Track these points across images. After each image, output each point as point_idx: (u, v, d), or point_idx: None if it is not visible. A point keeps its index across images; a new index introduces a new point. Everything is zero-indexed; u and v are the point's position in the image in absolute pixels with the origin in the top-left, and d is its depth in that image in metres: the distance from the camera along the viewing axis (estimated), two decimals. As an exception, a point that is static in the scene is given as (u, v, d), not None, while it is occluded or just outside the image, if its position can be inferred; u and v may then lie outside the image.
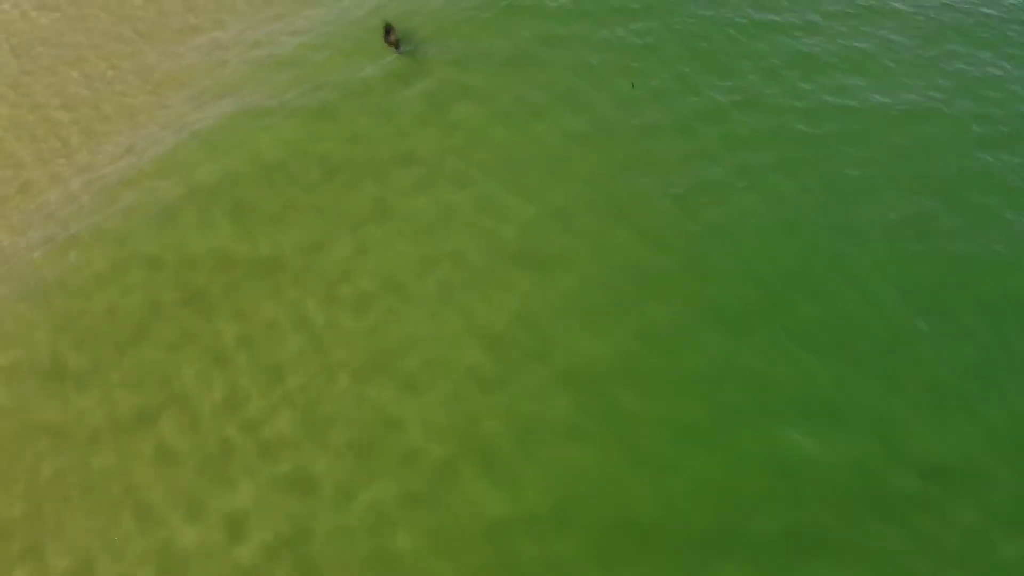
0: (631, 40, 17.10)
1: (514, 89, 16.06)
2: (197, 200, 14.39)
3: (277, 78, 16.99)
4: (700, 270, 12.66)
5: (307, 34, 18.12)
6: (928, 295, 12.38)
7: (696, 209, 13.58)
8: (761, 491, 10.25)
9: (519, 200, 13.84)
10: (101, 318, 12.86)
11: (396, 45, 17.01)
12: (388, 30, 17.22)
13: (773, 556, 9.68)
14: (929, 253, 12.93)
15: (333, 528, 10.17)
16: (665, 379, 11.32)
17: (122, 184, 15.02)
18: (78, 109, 17.49)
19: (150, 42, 19.13)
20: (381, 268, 12.99)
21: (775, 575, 9.52)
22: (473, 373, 11.54)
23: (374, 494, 10.43)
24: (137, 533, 10.40)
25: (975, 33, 17.55)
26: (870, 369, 11.50)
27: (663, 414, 10.97)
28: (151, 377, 12.08)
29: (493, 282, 12.63)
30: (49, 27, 20.10)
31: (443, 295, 12.53)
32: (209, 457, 11.09)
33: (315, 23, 18.50)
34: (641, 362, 11.52)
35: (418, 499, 10.34)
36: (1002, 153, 14.64)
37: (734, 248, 12.96)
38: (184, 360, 12.20)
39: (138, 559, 10.12)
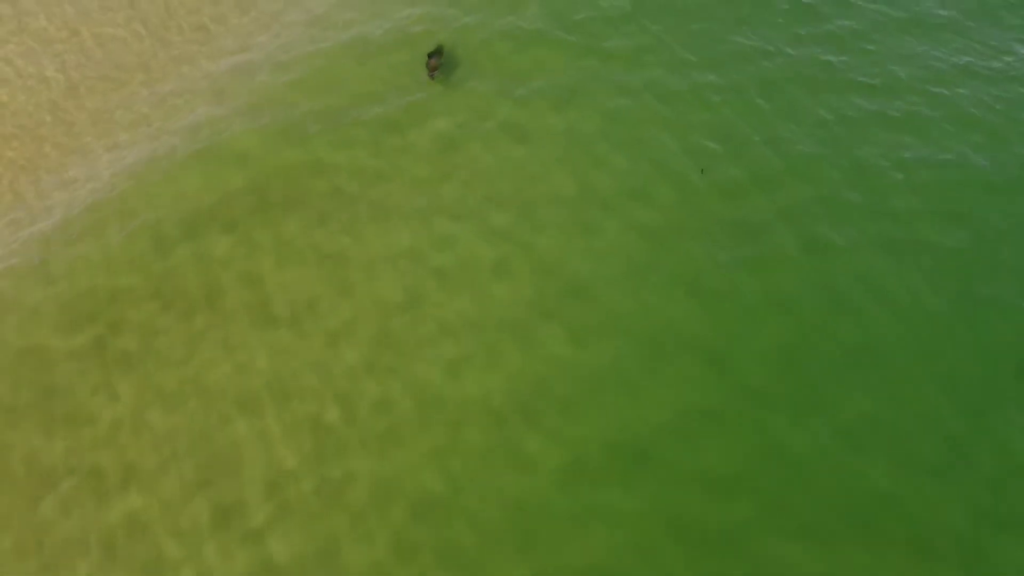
0: (707, 96, 15.78)
1: (568, 134, 15.15)
2: (216, 225, 14.15)
3: (318, 101, 16.57)
4: (750, 350, 11.71)
5: (351, 58, 17.61)
6: (1016, 399, 10.96)
7: (758, 281, 12.53)
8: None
9: (567, 258, 12.95)
10: (70, 362, 12.60)
11: (432, 70, 16.35)
12: (433, 53, 16.72)
13: None
14: (1018, 352, 11.51)
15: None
16: (691, 477, 10.47)
17: (134, 206, 14.83)
18: (137, 128, 17.41)
19: (210, 60, 19.01)
20: (413, 328, 12.34)
21: None
22: (502, 448, 10.93)
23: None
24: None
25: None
26: (937, 479, 10.30)
27: (684, 516, 10.18)
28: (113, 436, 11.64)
29: (528, 347, 11.94)
30: (111, 48, 20.23)
31: (473, 362, 11.86)
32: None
33: (364, 45, 17.96)
34: (668, 453, 10.71)
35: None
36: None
37: (791, 328, 11.94)
38: (151, 419, 11.82)
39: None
